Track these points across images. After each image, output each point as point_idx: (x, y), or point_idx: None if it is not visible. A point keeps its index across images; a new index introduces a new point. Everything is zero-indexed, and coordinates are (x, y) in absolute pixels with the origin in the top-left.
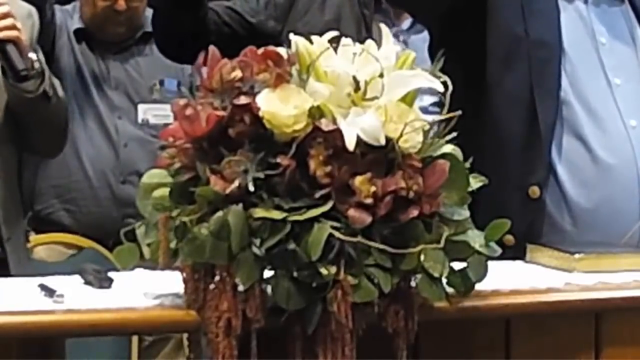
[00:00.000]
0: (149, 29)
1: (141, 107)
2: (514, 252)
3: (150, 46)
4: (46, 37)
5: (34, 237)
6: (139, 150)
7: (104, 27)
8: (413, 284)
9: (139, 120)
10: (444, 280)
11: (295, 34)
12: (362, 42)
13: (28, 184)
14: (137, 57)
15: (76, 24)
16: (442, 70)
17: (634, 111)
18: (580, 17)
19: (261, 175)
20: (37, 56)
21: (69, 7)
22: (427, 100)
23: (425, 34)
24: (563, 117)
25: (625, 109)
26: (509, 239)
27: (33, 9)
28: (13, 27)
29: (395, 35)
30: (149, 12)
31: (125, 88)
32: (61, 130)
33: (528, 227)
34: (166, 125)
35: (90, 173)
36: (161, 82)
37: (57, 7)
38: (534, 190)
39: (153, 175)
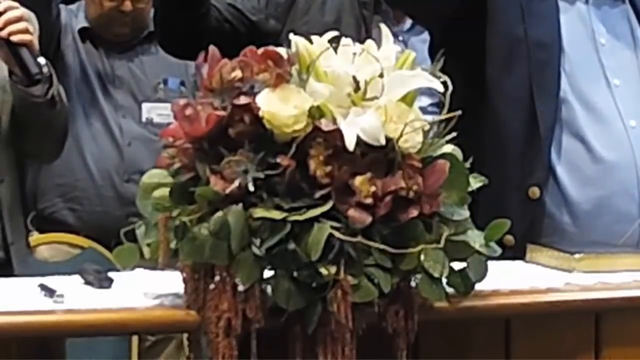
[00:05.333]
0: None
1: (145, 106)
2: (514, 252)
3: (155, 45)
4: (51, 37)
5: (35, 237)
6: (143, 149)
7: (109, 27)
8: (413, 284)
9: (143, 119)
10: (444, 280)
11: (295, 34)
12: (361, 43)
13: (31, 182)
14: (141, 56)
15: (80, 23)
16: (442, 70)
17: (634, 111)
18: (580, 18)
19: (261, 175)
20: (45, 61)
21: (73, 6)
22: (425, 101)
23: (425, 36)
24: (562, 118)
25: (625, 109)
26: (509, 239)
27: (32, 14)
28: (26, 31)
29: (395, 35)
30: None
31: (130, 87)
32: (61, 136)
33: (528, 228)
34: (170, 124)
35: (94, 172)
36: (165, 81)
37: (62, 6)
38: (534, 191)
39: (153, 175)
